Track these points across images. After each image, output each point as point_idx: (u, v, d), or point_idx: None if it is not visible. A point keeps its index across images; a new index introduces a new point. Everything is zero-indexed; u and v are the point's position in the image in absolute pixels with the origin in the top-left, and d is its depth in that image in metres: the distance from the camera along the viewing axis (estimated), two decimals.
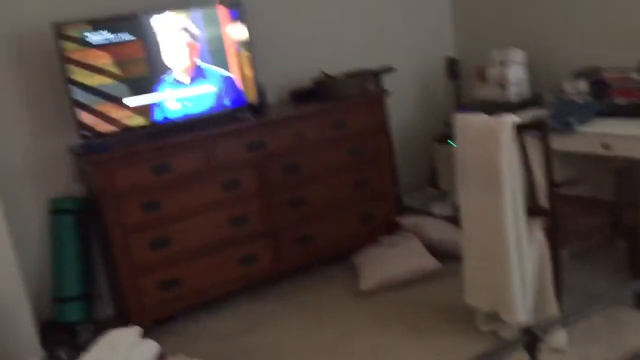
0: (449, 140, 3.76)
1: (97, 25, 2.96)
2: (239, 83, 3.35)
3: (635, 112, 2.91)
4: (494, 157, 2.41)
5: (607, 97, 3.12)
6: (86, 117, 2.98)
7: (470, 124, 2.56)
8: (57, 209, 3.14)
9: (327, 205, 3.48)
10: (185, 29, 3.18)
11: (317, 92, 3.58)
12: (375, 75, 3.97)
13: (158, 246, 3.05)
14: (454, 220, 3.55)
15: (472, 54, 4.10)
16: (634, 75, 3.03)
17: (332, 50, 3.91)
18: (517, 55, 3.60)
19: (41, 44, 3.06)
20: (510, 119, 2.44)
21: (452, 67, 4.23)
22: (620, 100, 3.06)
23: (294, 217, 3.39)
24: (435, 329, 2.77)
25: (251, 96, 3.39)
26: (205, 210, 3.15)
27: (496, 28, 3.98)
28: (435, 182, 4.16)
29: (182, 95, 3.21)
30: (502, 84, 3.58)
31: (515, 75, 3.57)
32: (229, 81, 3.32)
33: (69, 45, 2.91)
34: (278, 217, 3.35)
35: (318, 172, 3.44)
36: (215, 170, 3.15)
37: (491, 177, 2.46)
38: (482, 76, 3.74)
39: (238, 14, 3.31)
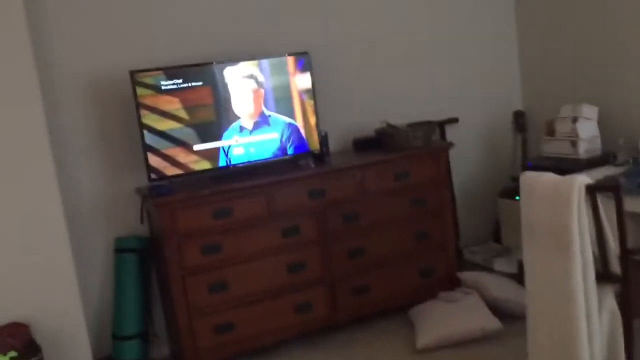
0: (516, 197, 3.67)
1: (170, 73, 3.08)
2: (302, 131, 3.39)
3: None
4: (564, 219, 2.32)
5: None
6: (155, 160, 3.07)
7: (537, 183, 2.48)
8: (121, 248, 3.23)
9: (386, 256, 3.43)
10: (253, 77, 3.26)
11: (380, 142, 3.58)
12: (439, 126, 3.94)
13: (215, 289, 3.07)
14: (517, 278, 3.43)
15: (541, 107, 4.02)
16: None
17: (396, 100, 3.91)
18: (589, 111, 3.50)
19: (117, 88, 3.20)
20: (581, 180, 2.34)
21: (520, 121, 4.15)
22: None
23: (352, 266, 3.35)
24: None
25: (314, 144, 3.42)
26: (263, 256, 3.16)
27: (567, 82, 3.89)
28: (499, 237, 4.04)
29: (246, 141, 3.27)
30: (572, 140, 3.47)
31: (586, 131, 3.46)
32: (292, 128, 3.37)
33: (143, 91, 3.03)
34: (336, 266, 3.32)
35: (378, 222, 3.40)
36: (276, 216, 3.17)
37: (560, 239, 2.35)
38: (550, 131, 3.64)
39: (304, 64, 3.37)
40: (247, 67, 3.24)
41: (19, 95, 2.82)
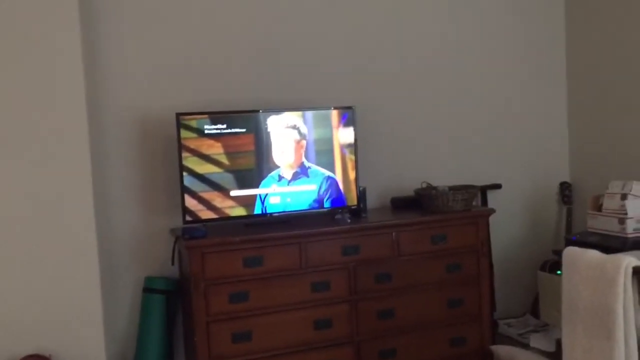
0: (557, 272, 3.53)
1: (215, 118, 3.12)
2: (341, 185, 3.36)
3: None
4: (608, 301, 2.19)
5: None
6: (191, 202, 3.08)
7: (581, 260, 2.37)
8: (150, 287, 3.21)
9: (416, 321, 3.31)
10: (296, 127, 3.27)
11: (419, 203, 3.51)
12: (481, 191, 3.86)
13: (239, 339, 3.00)
14: (554, 358, 3.26)
15: (589, 180, 3.91)
16: None
17: (438, 161, 3.86)
18: (638, 189, 3.36)
19: (161, 129, 3.26)
20: (629, 261, 2.23)
21: (566, 192, 4.04)
22: None
23: (380, 328, 3.24)
24: None
25: (351, 199, 3.38)
26: (291, 309, 3.09)
27: (617, 156, 3.78)
28: (537, 312, 3.87)
29: (284, 190, 3.25)
30: (620, 218, 3.33)
31: (636, 209, 3.31)
32: (331, 182, 3.34)
33: (187, 134, 3.07)
34: (363, 326, 3.21)
35: (411, 285, 3.30)
36: (307, 269, 3.11)
37: (603, 323, 2.23)
38: (597, 206, 3.51)
39: (348, 118, 3.36)
40: (291, 117, 3.26)
41: (68, 129, 2.89)
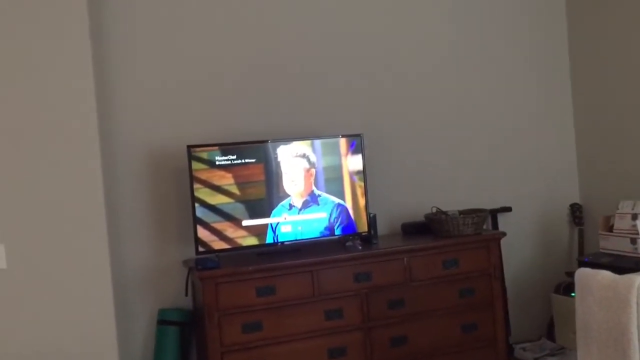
0: (571, 294, 3.51)
1: (225, 149, 3.17)
2: (351, 212, 3.38)
3: None
4: (621, 320, 2.19)
5: None
6: (203, 234, 3.11)
7: (594, 281, 2.37)
8: (164, 319, 3.22)
9: (430, 347, 3.29)
10: (305, 156, 3.31)
11: (429, 228, 3.53)
12: (491, 214, 3.87)
13: None
14: None
15: (599, 201, 3.91)
16: None
17: (447, 186, 3.88)
18: None
19: (173, 161, 3.31)
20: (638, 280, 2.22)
21: (577, 214, 4.03)
22: None
23: (394, 355, 3.23)
24: None
25: (362, 226, 3.40)
26: (304, 338, 3.09)
27: (626, 177, 3.78)
28: (552, 335, 3.84)
29: (295, 219, 3.28)
30: (632, 238, 3.33)
31: None
32: (341, 209, 3.36)
33: (198, 165, 3.11)
34: (377, 353, 3.20)
35: (424, 311, 3.29)
36: (319, 297, 3.12)
37: (617, 344, 2.21)
38: (608, 226, 3.51)
39: (356, 145, 3.40)
40: (300, 146, 3.30)
41: (81, 163, 2.94)
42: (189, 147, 3.12)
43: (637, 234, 3.31)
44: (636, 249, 3.30)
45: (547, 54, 4.15)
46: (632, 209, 3.40)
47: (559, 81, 4.18)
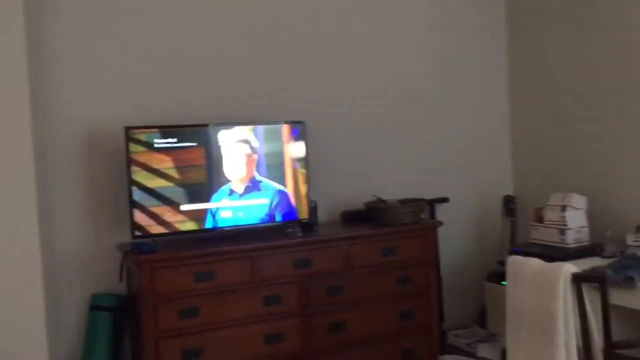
0: (502, 282, 3.63)
1: (165, 131, 3.10)
2: (292, 198, 3.38)
3: None
4: (549, 306, 2.28)
5: None
6: (140, 217, 3.04)
7: (524, 268, 2.46)
8: (96, 305, 3.14)
9: (367, 333, 3.34)
10: (247, 141, 3.28)
11: (369, 216, 3.57)
12: (429, 204, 3.95)
13: (189, 356, 2.96)
14: None
15: (531, 193, 4.06)
16: None
17: (387, 176, 3.94)
18: (578, 201, 3.52)
19: (109, 143, 3.22)
20: (568, 268, 2.33)
21: (509, 205, 4.17)
22: None
23: (332, 341, 3.26)
24: None
25: (303, 213, 3.40)
26: (242, 324, 3.08)
27: (557, 170, 3.94)
28: (484, 322, 3.97)
29: (235, 204, 3.25)
30: (560, 229, 3.47)
31: (575, 221, 3.47)
32: (282, 196, 3.36)
33: (136, 148, 3.04)
34: (315, 340, 3.22)
35: (361, 297, 3.34)
36: (258, 283, 3.11)
37: (544, 328, 2.31)
38: (539, 217, 3.65)
39: (298, 132, 3.40)
40: (242, 131, 3.27)
41: (10, 142, 2.82)
42: (127, 128, 3.04)
43: (566, 225, 3.45)
44: (564, 239, 3.44)
45: (485, 50, 4.27)
46: (562, 201, 3.54)
47: (496, 77, 4.30)
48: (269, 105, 3.61)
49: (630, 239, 3.17)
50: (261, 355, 3.11)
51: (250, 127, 3.29)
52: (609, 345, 2.29)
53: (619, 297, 2.68)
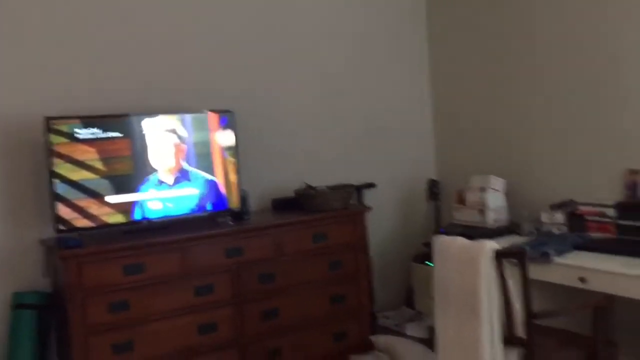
0: (426, 261, 3.77)
1: (87, 122, 3.00)
2: (222, 188, 3.37)
3: (610, 248, 2.96)
4: (473, 282, 2.40)
5: (583, 230, 3.19)
6: (64, 211, 2.94)
7: (449, 247, 2.57)
8: (19, 303, 3.01)
9: (300, 319, 3.39)
10: (174, 131, 3.23)
11: (299, 203, 3.61)
12: (357, 190, 4.03)
13: (120, 350, 2.90)
14: (429, 343, 3.48)
15: (453, 177, 4.22)
16: (609, 212, 3.11)
17: (317, 163, 3.99)
18: (497, 183, 3.69)
19: (28, 135, 3.08)
20: (490, 245, 2.45)
21: (433, 189, 4.32)
22: (596, 235, 3.12)
23: (265, 328, 3.29)
24: None
25: (233, 202, 3.40)
26: (174, 315, 3.04)
27: (477, 154, 4.12)
28: (411, 302, 4.11)
29: (164, 195, 3.20)
30: (481, 210, 3.64)
31: (494, 202, 3.64)
32: (212, 185, 3.34)
33: (57, 139, 2.93)
34: (248, 327, 3.24)
35: (294, 284, 3.37)
36: (189, 273, 3.08)
37: (469, 303, 2.43)
38: (461, 200, 3.81)
39: (227, 121, 3.38)
40: (168, 120, 3.22)
41: None
42: (47, 118, 2.92)
43: (486, 206, 3.62)
44: (484, 219, 3.61)
45: (406, 37, 4.38)
46: (482, 184, 3.71)
47: (418, 64, 4.43)
48: (197, 95, 3.56)
49: (545, 218, 3.37)
50: (194, 345, 3.09)
51: (176, 117, 3.24)
52: (530, 316, 2.44)
53: (536, 272, 2.85)
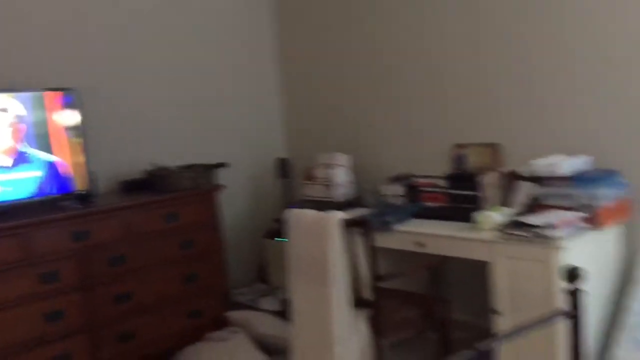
0: (277, 237, 3.90)
1: None
2: (67, 170, 3.21)
3: (443, 215, 3.29)
4: (323, 250, 2.55)
5: (420, 200, 3.50)
6: None
7: (300, 219, 2.70)
8: None
9: (154, 300, 3.36)
10: (9, 110, 3.02)
11: (149, 184, 3.54)
12: (209, 169, 4.04)
13: None
14: (283, 315, 3.62)
15: (302, 155, 4.38)
16: (440, 182, 3.44)
17: (167, 142, 3.94)
18: (342, 159, 3.90)
19: None
20: (338, 215, 2.62)
21: (283, 167, 4.45)
22: (431, 204, 3.44)
23: (116, 312, 3.21)
24: None
25: (80, 184, 3.25)
26: (17, 305, 2.87)
27: (324, 133, 4.31)
28: (265, 278, 4.23)
29: (1, 178, 2.98)
30: (328, 185, 3.83)
31: (340, 177, 3.85)
32: (55, 167, 3.17)
33: None
34: (98, 312, 3.14)
35: (146, 265, 3.33)
36: (33, 260, 2.92)
37: (320, 270, 2.58)
38: (310, 176, 3.98)
39: (70, 100, 3.22)
40: (2, 99, 2.99)
41: None
42: None
43: (332, 181, 3.82)
44: (332, 194, 3.81)
45: (255, 17, 4.45)
46: (328, 160, 3.90)
47: (267, 43, 4.52)
48: (39, 72, 3.34)
49: (385, 190, 3.64)
50: (41, 334, 2.95)
51: (12, 94, 3.02)
52: (375, 279, 2.64)
53: (380, 240, 3.06)
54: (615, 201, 2.84)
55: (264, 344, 3.40)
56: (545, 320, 2.07)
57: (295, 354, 2.74)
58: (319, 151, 4.05)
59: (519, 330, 1.92)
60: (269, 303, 3.92)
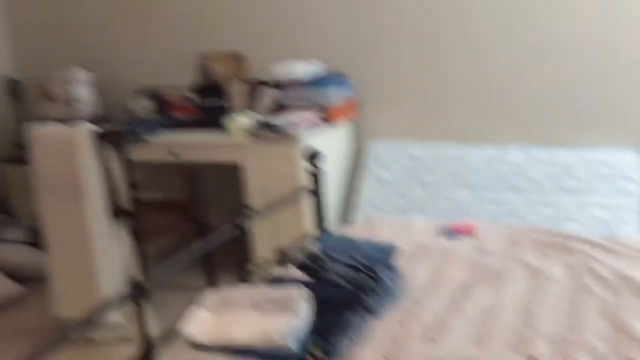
0: (19, 162, 3.60)
1: None
2: None
3: (193, 124, 3.38)
4: (74, 165, 2.48)
5: (169, 112, 3.52)
6: None
7: (48, 136, 2.56)
8: None
9: None
10: None
11: None
12: None
13: None
14: (31, 243, 3.44)
15: (37, 73, 4.01)
16: (189, 94, 3.50)
17: None
18: (82, 75, 3.69)
19: None
20: (87, 127, 2.54)
21: (14, 88, 4.05)
22: (181, 115, 3.49)
23: None
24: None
25: None
26: None
27: (60, 48, 3.99)
28: (6, 208, 3.90)
29: None
30: (70, 103, 3.62)
31: (82, 93, 3.66)
32: None
33: None
34: None
35: None
36: None
37: (73, 186, 2.51)
38: (48, 95, 3.70)
39: None
40: None
41: None
42: None
43: (74, 99, 3.62)
44: (75, 112, 3.61)
45: None
46: (66, 76, 3.66)
47: None
48: None
49: (133, 104, 3.57)
50: None
51: None
52: (132, 189, 2.66)
53: (135, 153, 3.04)
54: (345, 100, 3.24)
55: (14, 274, 3.22)
56: (293, 196, 2.34)
57: (56, 275, 2.67)
58: (56, 67, 3.76)
59: (271, 206, 2.16)
60: (13, 233, 3.66)
